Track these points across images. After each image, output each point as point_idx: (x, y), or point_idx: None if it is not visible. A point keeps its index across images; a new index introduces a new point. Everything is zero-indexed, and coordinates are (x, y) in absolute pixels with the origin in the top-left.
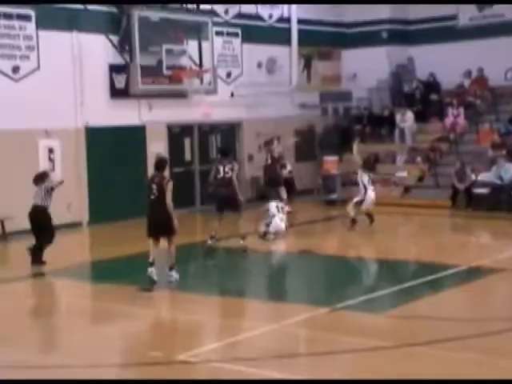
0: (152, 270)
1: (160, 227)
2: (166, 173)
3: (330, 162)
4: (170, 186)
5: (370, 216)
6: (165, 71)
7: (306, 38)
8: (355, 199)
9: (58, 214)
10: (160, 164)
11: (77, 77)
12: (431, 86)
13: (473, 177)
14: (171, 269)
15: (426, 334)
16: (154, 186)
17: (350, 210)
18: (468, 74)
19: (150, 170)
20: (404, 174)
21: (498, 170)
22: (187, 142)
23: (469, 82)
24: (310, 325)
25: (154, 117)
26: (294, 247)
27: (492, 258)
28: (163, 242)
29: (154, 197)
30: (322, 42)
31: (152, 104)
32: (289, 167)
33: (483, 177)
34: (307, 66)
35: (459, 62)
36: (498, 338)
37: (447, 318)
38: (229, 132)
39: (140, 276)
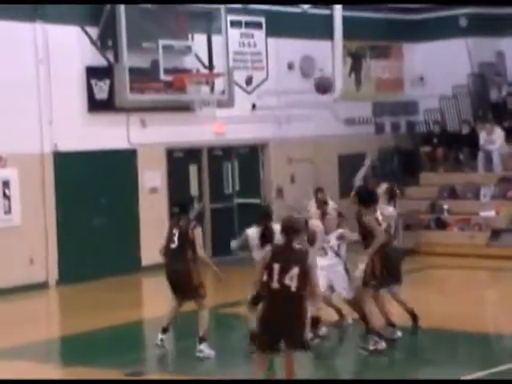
0: (162, 338)
1: (177, 286)
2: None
3: None
4: (197, 232)
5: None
6: (162, 76)
7: (353, 28)
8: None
9: (17, 272)
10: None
11: (42, 84)
12: None
13: None
14: (201, 341)
15: None
16: (176, 232)
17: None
18: None
19: (144, 211)
20: (491, 213)
21: None
22: (193, 170)
23: None
24: None
25: (148, 137)
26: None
27: None
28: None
29: (175, 246)
30: (376, 34)
31: (145, 120)
32: (332, 204)
33: None
34: (356, 66)
35: None
36: None
37: None
38: (250, 157)
39: (126, 356)
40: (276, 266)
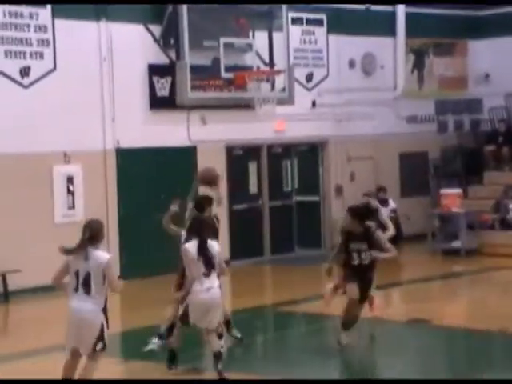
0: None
1: None
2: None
3: (451, 197)
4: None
5: None
6: (223, 73)
7: (416, 25)
8: None
9: None
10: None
11: (105, 81)
12: None
13: None
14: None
15: None
16: None
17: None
18: None
19: None
20: None
21: None
22: (253, 168)
23: None
24: None
25: (208, 134)
26: (403, 315)
27: None
28: None
29: None
30: (439, 31)
31: (206, 117)
32: (392, 204)
33: None
34: (418, 64)
35: None
36: None
37: None
38: (309, 155)
39: (190, 351)
40: None
